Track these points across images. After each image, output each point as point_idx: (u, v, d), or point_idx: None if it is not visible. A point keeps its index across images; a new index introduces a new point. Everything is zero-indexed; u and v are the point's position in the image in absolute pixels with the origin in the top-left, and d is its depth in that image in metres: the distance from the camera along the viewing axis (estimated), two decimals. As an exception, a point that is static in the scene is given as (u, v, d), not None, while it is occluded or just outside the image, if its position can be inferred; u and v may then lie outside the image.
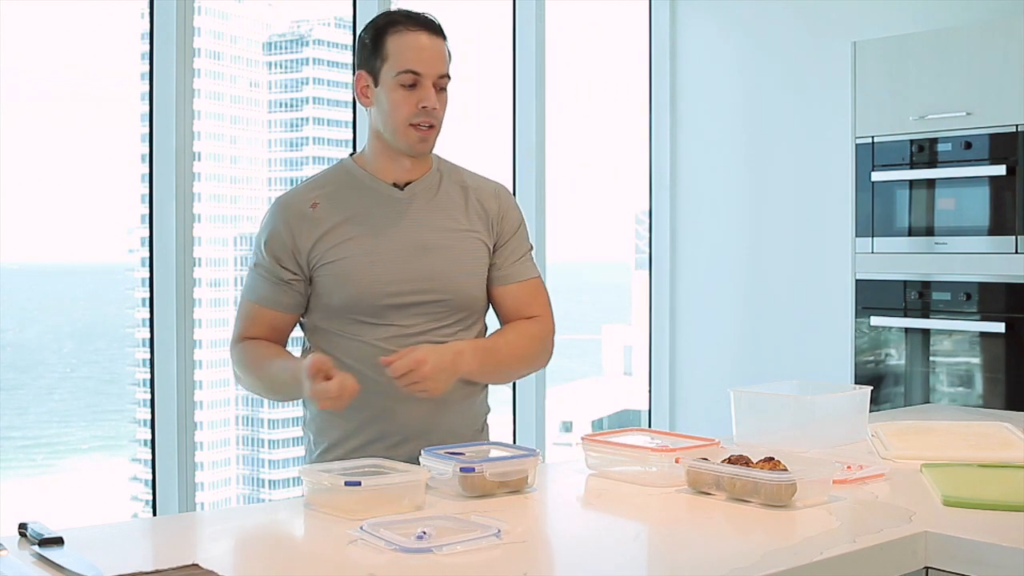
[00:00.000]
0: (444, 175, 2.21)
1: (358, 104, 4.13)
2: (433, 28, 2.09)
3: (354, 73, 2.16)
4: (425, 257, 2.12)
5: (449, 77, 2.11)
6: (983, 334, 3.75)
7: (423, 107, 2.06)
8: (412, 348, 1.99)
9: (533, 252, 2.29)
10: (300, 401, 2.25)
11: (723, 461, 1.83)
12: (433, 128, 2.10)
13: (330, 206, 2.12)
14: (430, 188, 2.18)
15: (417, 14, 2.10)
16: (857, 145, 4.02)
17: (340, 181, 2.16)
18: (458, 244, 2.15)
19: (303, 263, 2.12)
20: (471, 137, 4.76)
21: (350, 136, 4.15)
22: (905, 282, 3.92)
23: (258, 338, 2.17)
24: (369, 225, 2.11)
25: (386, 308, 2.10)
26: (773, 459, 1.81)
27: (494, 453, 1.95)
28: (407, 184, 2.16)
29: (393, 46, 2.07)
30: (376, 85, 2.10)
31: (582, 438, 2.04)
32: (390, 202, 2.14)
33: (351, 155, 2.21)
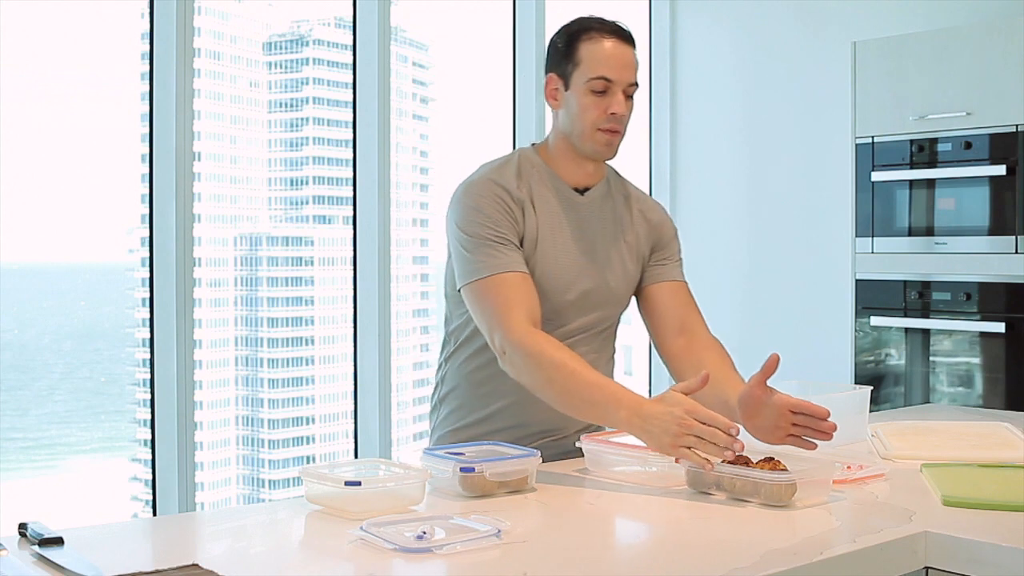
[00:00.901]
0: (612, 183, 2.26)
1: (358, 104, 4.17)
2: (624, 36, 2.12)
3: (546, 74, 2.18)
4: (596, 266, 2.18)
5: (637, 85, 2.14)
6: (983, 334, 3.75)
7: (612, 113, 2.09)
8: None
9: (683, 266, 2.32)
10: (438, 374, 2.30)
11: (723, 461, 1.83)
12: (618, 134, 2.13)
13: (528, 197, 2.14)
14: (603, 195, 2.22)
15: (610, 21, 2.13)
16: (857, 145, 4.02)
17: (535, 176, 2.17)
18: (619, 254, 2.22)
19: (519, 233, 2.11)
20: (471, 137, 4.76)
21: (350, 136, 4.15)
22: (905, 282, 3.92)
23: (531, 320, 2.04)
24: (556, 226, 2.15)
25: (557, 309, 2.14)
26: (773, 459, 1.81)
27: (494, 453, 1.95)
28: (585, 189, 2.20)
29: (586, 52, 2.10)
30: (567, 89, 2.13)
31: (582, 438, 2.04)
32: (573, 207, 2.18)
33: (532, 145, 2.24)
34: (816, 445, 1.91)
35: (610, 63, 2.09)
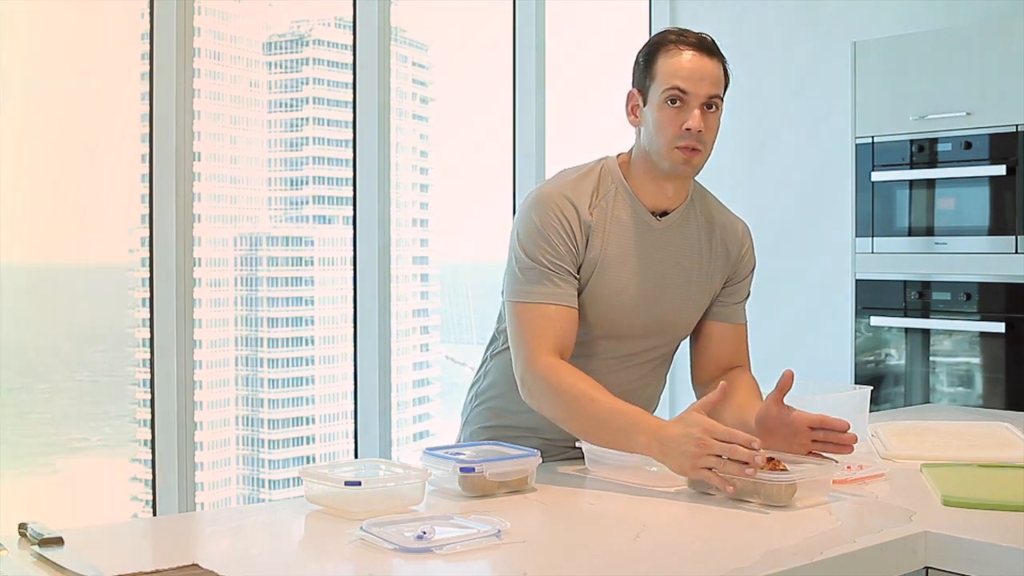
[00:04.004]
0: (696, 204, 2.17)
1: (358, 104, 4.17)
2: (704, 47, 2.03)
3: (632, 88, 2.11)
4: (662, 297, 2.11)
5: (720, 99, 2.03)
6: (983, 334, 3.75)
7: (687, 128, 1.99)
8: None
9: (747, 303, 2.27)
10: (481, 368, 2.27)
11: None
12: (698, 151, 2.02)
13: (600, 220, 2.07)
14: (682, 221, 2.14)
15: (690, 32, 2.06)
16: (857, 145, 4.02)
17: (611, 194, 2.09)
18: (689, 285, 2.14)
19: (579, 264, 2.06)
20: (471, 137, 4.76)
21: (350, 136, 4.15)
22: (905, 282, 3.92)
23: (559, 351, 2.02)
24: (625, 252, 2.08)
25: (614, 335, 2.11)
26: (773, 459, 1.81)
27: (494, 453, 1.95)
28: (664, 213, 2.12)
29: (662, 64, 2.02)
30: (644, 104, 2.06)
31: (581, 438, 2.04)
32: (648, 232, 2.10)
33: (617, 155, 2.15)
34: (837, 460, 1.89)
35: (685, 74, 2.00)
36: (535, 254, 2.04)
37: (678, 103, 2.00)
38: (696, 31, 2.08)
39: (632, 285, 2.08)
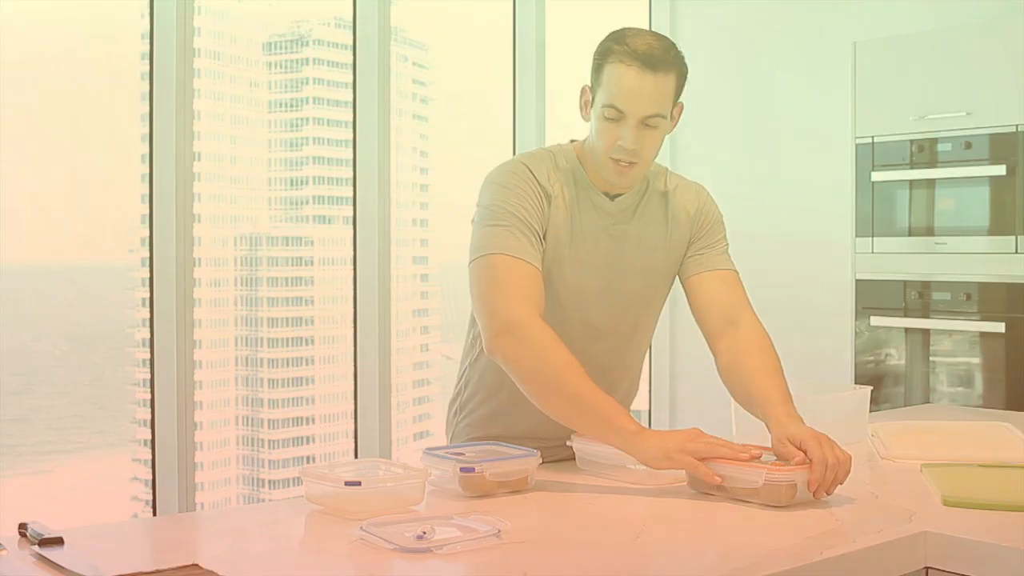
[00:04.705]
0: (650, 182, 2.15)
1: (358, 104, 4.17)
2: (650, 63, 1.96)
3: None
4: (619, 273, 2.10)
5: (663, 116, 1.99)
6: (983, 334, 3.75)
7: (619, 145, 1.98)
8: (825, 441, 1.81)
9: (727, 251, 2.21)
10: (460, 381, 2.23)
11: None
12: (633, 165, 2.00)
13: (558, 194, 2.07)
14: (636, 202, 2.12)
15: (640, 40, 1.98)
16: (857, 145, 4.02)
17: (568, 174, 2.09)
18: (653, 260, 2.13)
19: (543, 226, 2.03)
20: (471, 137, 4.76)
21: (350, 136, 4.15)
22: (905, 282, 3.92)
23: (534, 307, 1.95)
24: (582, 229, 2.08)
25: (574, 313, 2.08)
26: (774, 460, 1.81)
27: (494, 453, 1.95)
28: (616, 196, 2.10)
29: (607, 75, 1.98)
30: (592, 105, 2.04)
31: (573, 436, 2.04)
32: (602, 212, 2.09)
33: (571, 142, 2.15)
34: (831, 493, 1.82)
35: (624, 94, 1.96)
36: (502, 206, 2.00)
37: (616, 119, 1.97)
38: (650, 36, 2.01)
39: (590, 263, 2.08)
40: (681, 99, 2.08)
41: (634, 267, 2.12)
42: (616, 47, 1.98)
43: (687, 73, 2.05)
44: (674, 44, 2.04)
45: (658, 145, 2.04)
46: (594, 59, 2.03)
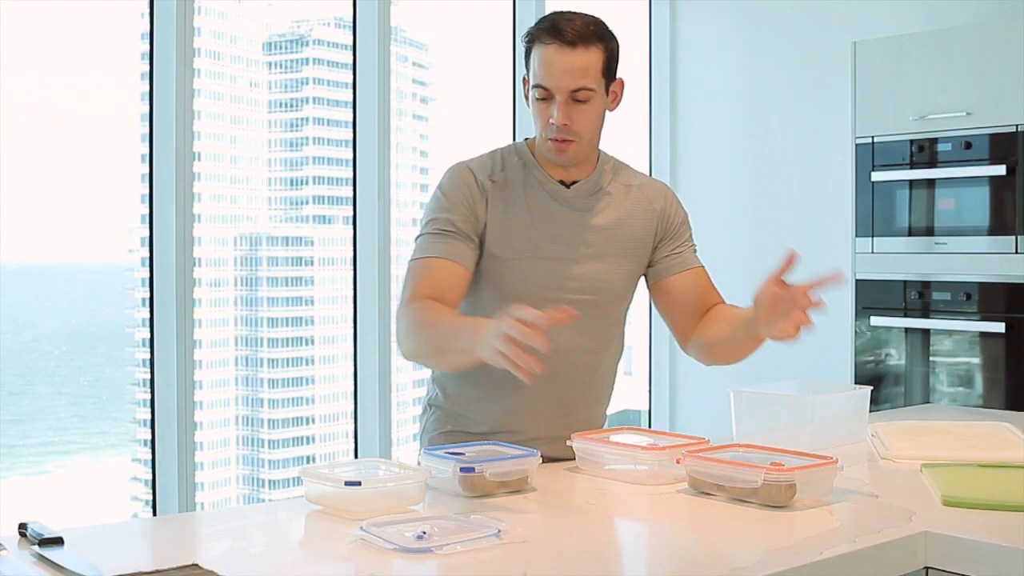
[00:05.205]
0: (611, 175, 2.21)
1: (358, 104, 4.17)
2: (568, 39, 2.02)
3: None
4: (578, 257, 2.15)
5: (590, 90, 2.04)
6: (983, 334, 3.75)
7: (551, 123, 2.06)
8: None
9: (696, 250, 2.28)
10: (429, 378, 2.28)
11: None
12: (569, 142, 2.08)
13: (503, 188, 2.13)
14: (593, 189, 2.18)
15: (561, 20, 2.05)
16: (857, 145, 4.02)
17: (520, 168, 2.16)
18: (614, 246, 2.18)
19: (477, 228, 2.11)
20: (471, 137, 4.76)
21: (350, 136, 4.15)
22: (905, 282, 3.92)
23: (434, 298, 2.07)
24: (535, 221, 2.13)
25: (540, 305, 2.07)
26: (775, 461, 1.81)
27: (494, 453, 1.95)
28: (573, 183, 2.16)
29: (533, 58, 2.07)
30: (527, 93, 2.13)
31: (573, 436, 2.04)
32: (559, 199, 2.15)
33: (525, 139, 2.21)
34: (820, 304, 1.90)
35: (546, 71, 2.04)
36: (433, 216, 2.11)
37: (545, 98, 2.06)
38: (572, 15, 2.07)
39: (550, 252, 2.12)
40: (620, 76, 2.14)
41: (591, 246, 2.16)
42: (536, 30, 2.08)
43: (617, 48, 2.11)
44: (599, 20, 2.10)
45: (595, 121, 2.11)
46: (524, 47, 2.11)
